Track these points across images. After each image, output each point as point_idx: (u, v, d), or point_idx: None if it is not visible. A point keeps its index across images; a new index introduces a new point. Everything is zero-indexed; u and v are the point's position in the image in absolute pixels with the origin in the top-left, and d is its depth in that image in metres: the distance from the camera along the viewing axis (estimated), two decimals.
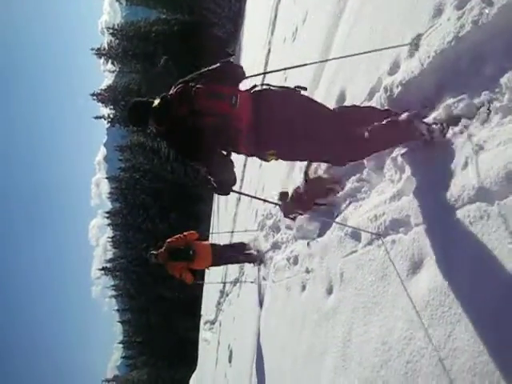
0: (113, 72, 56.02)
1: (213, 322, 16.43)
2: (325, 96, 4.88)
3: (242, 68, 3.09)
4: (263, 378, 5.69)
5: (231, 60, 3.24)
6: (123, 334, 72.81)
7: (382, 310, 2.62)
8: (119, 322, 72.64)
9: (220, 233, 12.75)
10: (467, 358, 1.80)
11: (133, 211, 51.61)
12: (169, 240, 6.69)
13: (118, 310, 71.34)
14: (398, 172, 2.89)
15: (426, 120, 2.63)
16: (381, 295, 2.68)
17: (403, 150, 2.86)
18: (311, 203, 4.36)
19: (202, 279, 13.83)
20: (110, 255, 63.39)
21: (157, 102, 2.89)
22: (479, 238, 1.93)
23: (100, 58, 47.35)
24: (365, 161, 3.35)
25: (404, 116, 2.61)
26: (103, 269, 58.44)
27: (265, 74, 4.66)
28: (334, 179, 4.17)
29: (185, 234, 6.76)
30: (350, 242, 3.34)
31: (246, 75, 3.05)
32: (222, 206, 16.23)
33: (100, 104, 48.98)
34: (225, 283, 12.09)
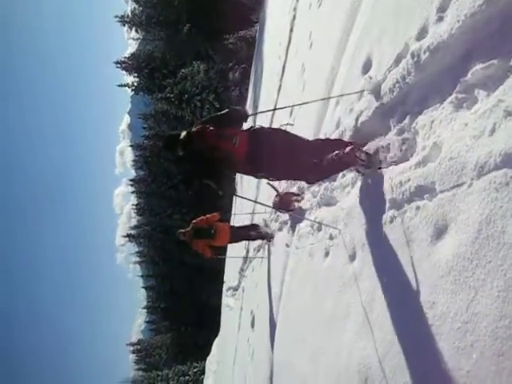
0: (136, 40, 55.83)
1: (235, 289, 16.61)
2: (350, 63, 4.82)
3: (245, 112, 4.28)
4: (285, 342, 5.78)
5: (238, 108, 4.42)
6: (147, 299, 74.17)
7: (405, 275, 2.64)
8: (143, 287, 73.96)
9: (241, 214, 13.21)
10: (489, 321, 1.81)
11: (157, 179, 51.85)
12: (194, 221, 7.90)
13: (141, 276, 72.64)
14: (424, 138, 2.87)
15: (364, 149, 3.54)
16: (404, 261, 2.70)
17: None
18: (285, 208, 6.25)
19: (224, 253, 14.88)
20: (134, 222, 64.30)
21: (183, 134, 4.00)
22: (504, 204, 1.93)
23: (124, 25, 47.17)
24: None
25: (348, 149, 3.40)
26: (127, 236, 59.26)
27: (273, 110, 6.72)
28: (296, 193, 6.39)
29: (208, 216, 7.94)
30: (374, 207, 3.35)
31: (249, 114, 4.29)
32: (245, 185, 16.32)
33: (124, 72, 48.99)
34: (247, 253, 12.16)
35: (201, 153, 3.90)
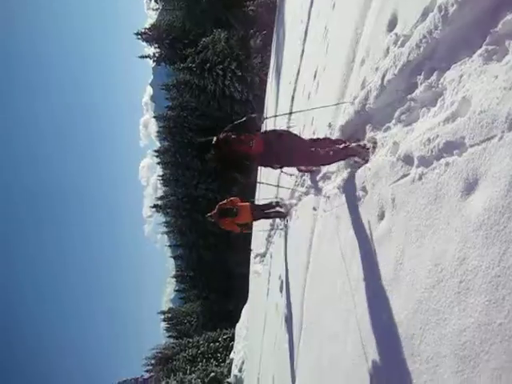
0: (156, 10, 55.50)
1: (263, 255, 16.75)
2: (375, 22, 4.73)
3: (260, 119, 5.50)
4: (314, 304, 5.84)
5: (254, 116, 5.45)
6: (175, 268, 75.39)
7: (435, 232, 2.63)
8: (171, 257, 75.10)
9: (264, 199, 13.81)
10: None
11: (181, 149, 52.06)
12: (220, 203, 8.94)
13: (169, 246, 73.61)
14: (452, 93, 2.83)
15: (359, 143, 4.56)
16: (434, 218, 2.68)
17: None
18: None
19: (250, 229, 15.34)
20: (160, 193, 64.91)
21: (214, 140, 5.03)
22: None
23: None
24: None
25: (341, 146, 4.67)
26: (154, 206, 59.93)
27: (289, 113, 8.57)
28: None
29: (231, 198, 9.07)
30: (401, 166, 3.32)
31: (267, 118, 5.95)
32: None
33: (145, 43, 48.85)
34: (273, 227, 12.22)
35: (225, 154, 5.01)
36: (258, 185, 23.75)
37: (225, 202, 9.05)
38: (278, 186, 9.11)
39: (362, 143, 4.54)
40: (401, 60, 3.62)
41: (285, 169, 6.46)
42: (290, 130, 5.23)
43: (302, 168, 7.23)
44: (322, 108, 5.88)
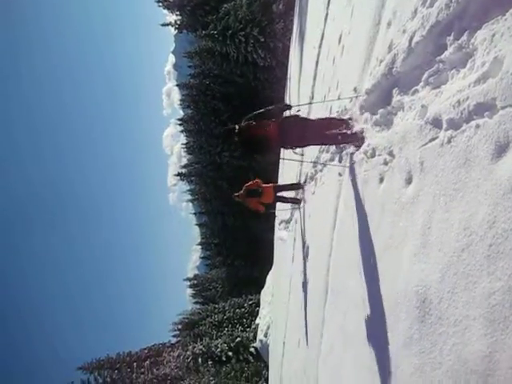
0: None
1: (288, 221, 16.82)
2: None
3: (286, 106, 6.18)
4: (340, 269, 5.88)
5: (280, 105, 6.11)
6: (201, 236, 76.16)
7: (464, 195, 2.61)
8: (196, 224, 75.81)
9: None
10: None
11: (205, 117, 51.91)
12: (246, 184, 9.94)
13: (194, 214, 74.30)
14: (483, 53, 2.76)
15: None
16: (463, 181, 2.65)
17: None
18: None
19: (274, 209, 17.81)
20: (184, 162, 65.18)
21: (236, 127, 5.76)
22: None
23: None
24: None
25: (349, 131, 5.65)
26: (179, 174, 60.28)
27: (309, 103, 9.45)
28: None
29: (256, 180, 10.11)
30: (430, 129, 3.28)
31: (291, 106, 6.15)
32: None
33: (166, 11, 48.44)
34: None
35: (248, 138, 5.77)
36: (281, 162, 25.58)
37: (250, 183, 10.03)
38: (301, 155, 9.05)
39: (359, 132, 5.53)
40: (429, 21, 3.54)
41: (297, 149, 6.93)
42: (299, 113, 5.94)
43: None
44: (347, 71, 5.82)
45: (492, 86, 2.48)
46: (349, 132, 5.64)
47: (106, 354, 42.90)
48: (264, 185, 10.11)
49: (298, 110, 6.00)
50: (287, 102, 23.94)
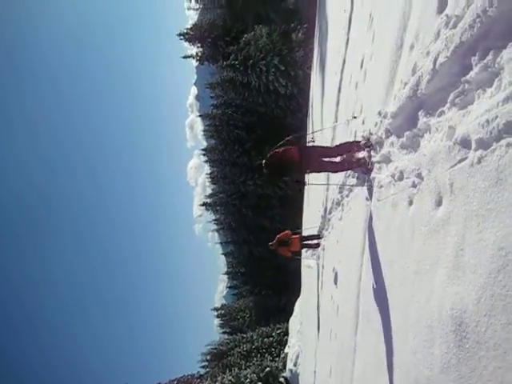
0: (196, 10, 56.04)
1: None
2: (424, 4, 4.64)
3: (300, 137, 11.48)
4: (371, 295, 5.80)
5: (296, 135, 7.27)
6: (227, 265, 76.25)
7: (498, 215, 2.56)
8: (222, 254, 75.97)
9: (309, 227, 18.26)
10: None
11: (228, 147, 52.47)
12: (278, 236, 12.34)
13: (220, 243, 74.61)
14: (511, 72, 2.74)
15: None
16: (495, 201, 2.61)
17: None
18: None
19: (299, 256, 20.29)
20: (209, 191, 65.74)
21: (263, 162, 6.60)
22: None
23: None
24: None
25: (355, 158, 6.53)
26: (204, 204, 60.74)
27: (320, 130, 11.60)
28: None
29: (285, 232, 12.52)
30: (459, 150, 3.24)
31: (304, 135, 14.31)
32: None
33: (187, 44, 49.40)
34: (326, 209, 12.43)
35: (276, 165, 6.52)
36: (306, 190, 28.33)
37: (281, 235, 12.43)
38: (327, 184, 11.59)
39: (365, 158, 6.31)
40: (453, 42, 3.54)
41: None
42: (315, 143, 7.28)
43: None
44: (371, 96, 5.84)
45: None
46: (361, 156, 6.41)
47: None
48: (293, 236, 12.54)
49: (313, 141, 7.24)
50: (310, 129, 26.01)
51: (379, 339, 5.09)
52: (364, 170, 6.49)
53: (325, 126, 15.53)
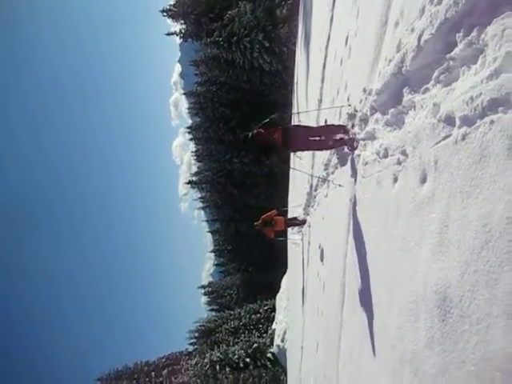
0: None
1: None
2: None
3: (283, 115, 12.79)
4: (357, 272, 5.85)
5: (276, 115, 7.24)
6: (214, 243, 76.29)
7: (481, 192, 2.58)
8: (209, 232, 75.97)
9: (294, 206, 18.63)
10: None
11: (213, 124, 52.14)
12: (262, 217, 12.51)
13: (206, 221, 74.50)
14: (494, 49, 2.74)
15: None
16: (479, 178, 2.63)
17: None
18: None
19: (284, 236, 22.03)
20: (194, 169, 65.40)
21: (250, 134, 6.69)
22: None
23: None
24: None
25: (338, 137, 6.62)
26: (189, 182, 60.45)
27: (306, 111, 11.19)
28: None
29: (269, 213, 12.69)
30: (443, 127, 3.25)
31: (289, 113, 17.50)
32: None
33: (171, 20, 48.66)
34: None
35: (260, 142, 6.70)
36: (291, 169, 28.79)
37: (265, 215, 12.65)
38: (300, 158, 12.49)
39: (350, 136, 6.53)
40: (438, 18, 3.52)
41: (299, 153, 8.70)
42: (300, 123, 7.62)
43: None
44: (355, 72, 5.82)
45: (505, 81, 2.47)
46: (346, 137, 6.61)
47: (124, 364, 43.06)
48: (277, 217, 12.80)
49: (299, 121, 7.50)
50: (295, 106, 26.58)
51: (365, 315, 5.15)
52: (349, 147, 6.66)
53: (310, 103, 15.49)
